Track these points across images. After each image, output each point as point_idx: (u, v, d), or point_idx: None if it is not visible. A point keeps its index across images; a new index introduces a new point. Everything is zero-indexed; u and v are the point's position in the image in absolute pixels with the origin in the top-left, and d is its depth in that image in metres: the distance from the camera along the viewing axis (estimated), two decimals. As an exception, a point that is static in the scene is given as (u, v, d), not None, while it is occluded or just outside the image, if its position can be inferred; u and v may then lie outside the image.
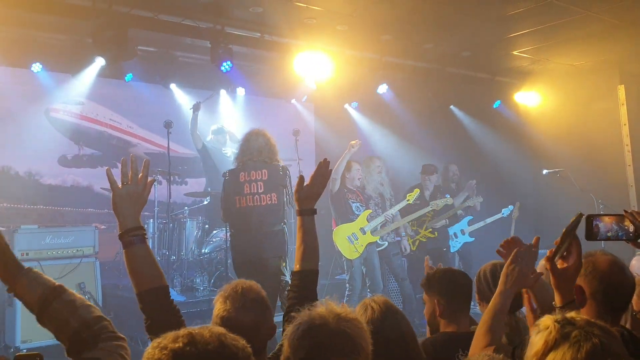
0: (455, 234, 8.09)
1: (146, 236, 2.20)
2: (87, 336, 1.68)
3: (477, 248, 8.33)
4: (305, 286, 2.49)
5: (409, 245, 7.60)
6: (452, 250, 8.04)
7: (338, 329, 1.65)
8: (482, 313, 3.14)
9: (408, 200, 7.29)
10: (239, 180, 5.53)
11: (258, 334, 2.31)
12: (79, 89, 8.08)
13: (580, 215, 2.14)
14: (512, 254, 2.28)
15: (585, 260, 2.32)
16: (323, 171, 2.64)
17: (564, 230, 2.09)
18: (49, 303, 1.73)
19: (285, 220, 5.69)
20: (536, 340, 1.56)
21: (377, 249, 7.06)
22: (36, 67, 7.62)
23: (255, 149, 5.57)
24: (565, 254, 2.10)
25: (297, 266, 2.52)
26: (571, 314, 1.61)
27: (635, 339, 2.32)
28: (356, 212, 7.02)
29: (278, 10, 6.53)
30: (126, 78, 8.10)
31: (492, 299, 2.33)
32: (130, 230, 2.14)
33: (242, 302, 2.34)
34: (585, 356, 1.47)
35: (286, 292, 2.58)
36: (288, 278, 5.36)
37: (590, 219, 2.25)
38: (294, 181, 2.80)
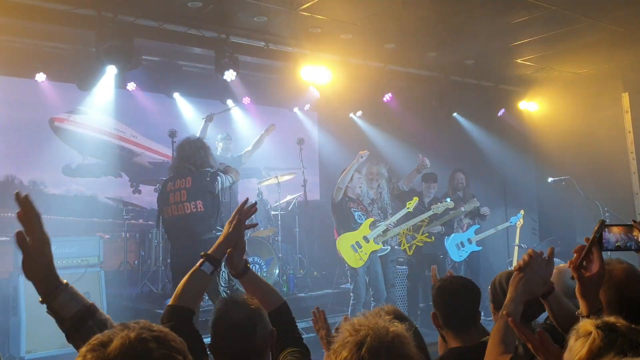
0: (462, 243, 8.04)
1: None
2: None
3: (481, 256, 8.32)
4: (277, 323, 2.39)
5: (405, 249, 7.63)
6: (458, 260, 7.99)
7: (402, 351, 1.60)
8: (495, 322, 3.09)
9: (408, 208, 7.28)
10: (166, 190, 5.53)
11: (254, 334, 2.23)
12: (83, 99, 8.09)
13: (603, 222, 2.15)
14: (521, 261, 2.26)
15: None
16: (241, 231, 2.43)
17: (590, 240, 2.10)
18: (85, 321, 1.75)
19: (219, 227, 5.40)
20: (577, 346, 1.52)
21: (379, 254, 7.04)
22: (40, 77, 7.64)
23: (182, 157, 5.54)
24: (585, 263, 2.10)
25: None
26: (610, 319, 1.57)
27: None
28: (358, 221, 7.01)
29: (283, 20, 6.53)
30: (130, 87, 8.13)
31: (502, 308, 2.30)
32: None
33: (232, 302, 2.30)
34: None
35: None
36: (224, 287, 5.40)
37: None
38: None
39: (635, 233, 2.23)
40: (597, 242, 2.13)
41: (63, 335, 1.79)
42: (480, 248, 8.15)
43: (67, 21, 6.02)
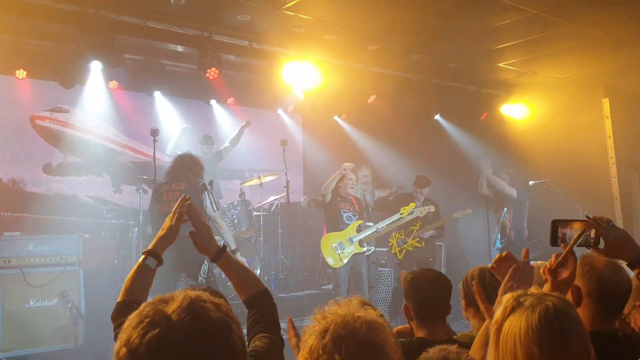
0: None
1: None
2: None
3: (459, 258, 8.36)
4: (257, 308, 2.39)
5: (396, 252, 7.65)
6: None
7: (369, 339, 1.56)
8: (467, 318, 3.12)
9: (402, 213, 7.32)
10: (160, 191, 6.22)
11: None
12: (65, 97, 8.02)
13: (586, 228, 2.21)
14: (510, 272, 2.27)
15: (582, 261, 2.37)
16: (195, 216, 2.53)
17: (569, 246, 2.17)
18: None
19: None
20: (497, 313, 1.68)
21: (367, 254, 7.08)
22: (20, 73, 7.55)
23: (182, 164, 6.29)
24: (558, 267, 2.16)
25: (241, 297, 2.44)
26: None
27: (630, 340, 2.33)
28: (346, 222, 7.03)
29: (266, 19, 6.52)
30: (111, 86, 8.07)
31: (488, 317, 2.33)
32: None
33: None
34: (538, 317, 1.60)
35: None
36: (202, 277, 5.89)
37: (556, 224, 2.28)
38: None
39: (590, 229, 2.27)
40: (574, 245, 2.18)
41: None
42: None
43: (48, 16, 5.96)
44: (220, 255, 2.47)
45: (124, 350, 1.23)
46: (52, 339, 6.05)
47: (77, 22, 5.93)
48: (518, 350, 1.58)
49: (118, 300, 2.31)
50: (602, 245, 2.23)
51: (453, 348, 1.99)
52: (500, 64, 8.50)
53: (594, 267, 2.35)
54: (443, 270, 8.44)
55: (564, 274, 2.14)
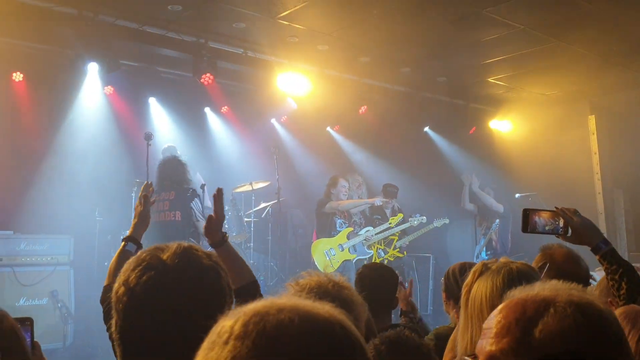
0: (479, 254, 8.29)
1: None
2: None
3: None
4: (246, 297, 2.53)
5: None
6: None
7: (340, 296, 1.75)
8: (447, 312, 3.25)
9: (390, 223, 7.44)
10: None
11: None
12: (61, 100, 8.08)
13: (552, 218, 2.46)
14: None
15: (543, 253, 2.51)
16: (221, 203, 2.73)
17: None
18: None
19: (191, 239, 6.10)
20: (468, 278, 1.90)
21: (360, 257, 7.20)
22: (17, 76, 7.62)
23: (163, 176, 6.43)
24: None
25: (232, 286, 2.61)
26: None
27: None
28: (338, 229, 7.16)
29: (261, 27, 6.65)
30: (107, 91, 8.15)
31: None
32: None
33: None
34: (502, 278, 1.79)
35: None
36: None
37: (527, 212, 2.46)
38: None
39: (559, 219, 2.45)
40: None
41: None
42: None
43: (46, 19, 6.06)
44: (222, 242, 2.62)
45: (122, 289, 1.36)
46: (41, 338, 5.92)
47: (75, 25, 6.05)
48: (484, 307, 1.75)
49: (104, 284, 2.49)
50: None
51: (407, 331, 2.17)
52: (488, 79, 8.68)
53: (555, 260, 2.53)
54: (431, 282, 8.56)
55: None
